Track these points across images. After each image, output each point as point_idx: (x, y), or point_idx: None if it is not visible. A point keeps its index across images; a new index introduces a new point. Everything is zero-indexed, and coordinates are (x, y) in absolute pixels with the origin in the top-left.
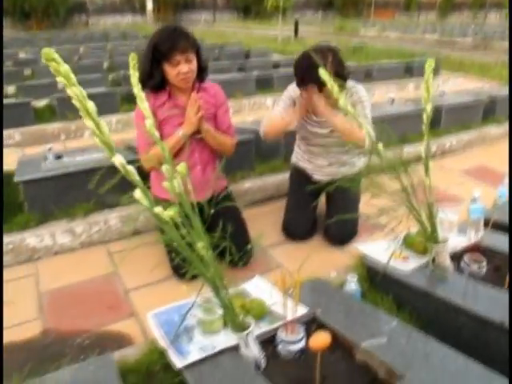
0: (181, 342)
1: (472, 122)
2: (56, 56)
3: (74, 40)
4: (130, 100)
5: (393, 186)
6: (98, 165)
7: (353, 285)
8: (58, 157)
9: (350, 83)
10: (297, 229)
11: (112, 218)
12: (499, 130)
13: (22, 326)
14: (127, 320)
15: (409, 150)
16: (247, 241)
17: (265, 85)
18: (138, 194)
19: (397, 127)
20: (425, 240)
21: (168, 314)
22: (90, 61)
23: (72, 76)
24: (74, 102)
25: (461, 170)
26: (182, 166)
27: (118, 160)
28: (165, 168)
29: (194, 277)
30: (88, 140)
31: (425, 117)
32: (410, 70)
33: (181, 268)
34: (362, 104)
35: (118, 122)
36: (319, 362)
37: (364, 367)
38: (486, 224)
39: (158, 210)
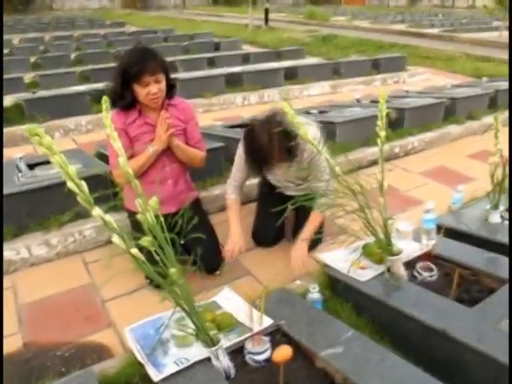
0: (157, 356)
1: (433, 122)
2: (39, 131)
3: (38, 27)
4: (99, 100)
5: (353, 205)
6: None
7: (314, 295)
8: (30, 166)
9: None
10: (265, 236)
11: (87, 229)
12: (459, 129)
13: (4, 341)
14: (105, 331)
15: (374, 151)
16: (218, 250)
17: (234, 82)
18: (115, 239)
19: (362, 129)
20: (382, 251)
21: (144, 328)
22: (56, 53)
23: (54, 147)
24: (57, 167)
25: (421, 172)
26: (153, 201)
27: (98, 213)
28: (137, 202)
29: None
30: (58, 142)
31: (379, 142)
32: (377, 66)
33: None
34: (315, 158)
35: (88, 123)
36: (282, 372)
37: (323, 374)
38: (440, 230)
39: (135, 251)
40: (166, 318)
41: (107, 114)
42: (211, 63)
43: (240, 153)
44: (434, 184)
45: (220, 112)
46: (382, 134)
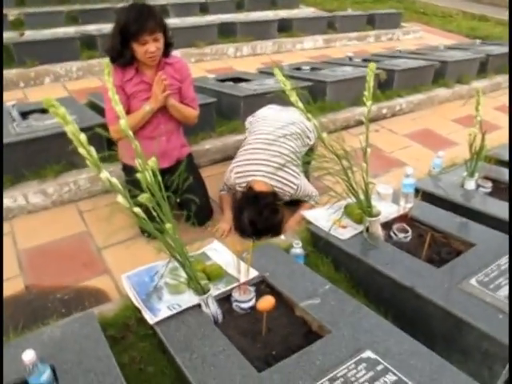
0: (152, 301)
1: (422, 85)
2: (55, 103)
3: None
4: (90, 46)
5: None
6: None
7: (297, 250)
8: (23, 114)
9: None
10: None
11: (81, 179)
12: (447, 93)
13: (5, 283)
14: (101, 276)
15: (362, 111)
16: (208, 204)
17: (227, 32)
18: (119, 198)
19: (352, 89)
20: (362, 212)
21: (139, 276)
22: None
23: (68, 117)
24: (70, 135)
25: (407, 134)
26: (152, 161)
27: (105, 175)
28: (137, 162)
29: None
30: (48, 88)
31: (366, 111)
32: (372, 22)
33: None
34: (299, 193)
35: (78, 69)
36: (265, 319)
37: (302, 322)
38: (418, 193)
39: (137, 210)
40: (160, 267)
41: (109, 79)
42: (204, 9)
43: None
44: (417, 146)
45: (212, 62)
46: (368, 103)
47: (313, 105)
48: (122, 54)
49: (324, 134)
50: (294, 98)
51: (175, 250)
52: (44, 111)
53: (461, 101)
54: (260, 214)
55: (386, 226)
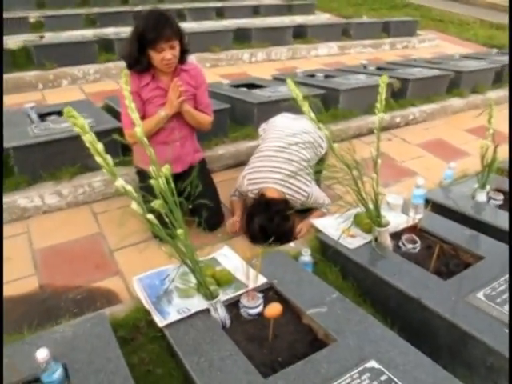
0: (162, 304)
1: (436, 94)
2: (74, 113)
3: None
4: (107, 49)
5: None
6: None
7: (306, 258)
8: (41, 115)
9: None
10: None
11: (96, 181)
12: (461, 103)
13: (21, 281)
14: (113, 278)
15: (374, 120)
16: (220, 210)
17: (242, 37)
18: (134, 205)
19: (365, 97)
20: (371, 222)
21: (150, 278)
22: None
23: (86, 126)
24: (87, 144)
25: (419, 144)
26: (166, 168)
27: (120, 183)
28: (151, 169)
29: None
30: (65, 90)
31: (377, 123)
32: (388, 29)
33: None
34: (310, 200)
35: (95, 72)
36: (272, 325)
37: (308, 329)
38: (428, 204)
39: (150, 217)
40: (171, 271)
41: (127, 87)
42: (220, 13)
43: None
44: (429, 156)
45: (227, 68)
46: (380, 115)
47: (325, 113)
48: (139, 60)
49: (335, 145)
50: (306, 108)
51: (186, 256)
52: (61, 113)
53: (475, 111)
54: (271, 221)
55: (395, 236)
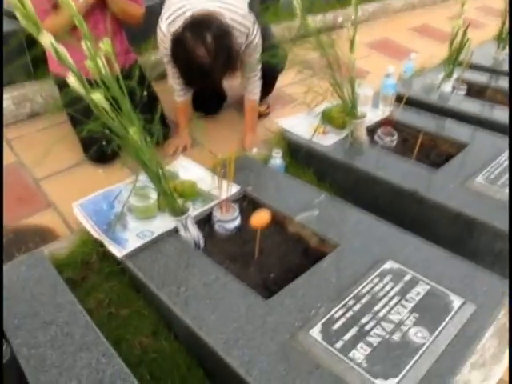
0: (116, 231)
1: None
2: None
3: None
4: None
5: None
6: None
7: (278, 160)
8: None
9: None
10: (206, 103)
11: (4, 99)
12: (401, 1)
13: None
14: (44, 211)
15: (316, 19)
16: (164, 116)
17: None
18: (71, 80)
19: None
20: (345, 115)
21: (94, 203)
22: None
23: None
24: None
25: (366, 43)
26: (106, 43)
27: (48, 39)
28: (85, 45)
29: (108, 159)
30: None
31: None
32: None
33: (92, 143)
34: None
35: None
36: (258, 238)
37: (297, 238)
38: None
39: (97, 96)
40: (119, 190)
41: None
42: None
43: (169, 67)
44: (378, 55)
45: None
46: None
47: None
48: None
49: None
50: None
51: (144, 160)
52: None
53: (414, 11)
54: (204, 40)
55: (369, 131)
